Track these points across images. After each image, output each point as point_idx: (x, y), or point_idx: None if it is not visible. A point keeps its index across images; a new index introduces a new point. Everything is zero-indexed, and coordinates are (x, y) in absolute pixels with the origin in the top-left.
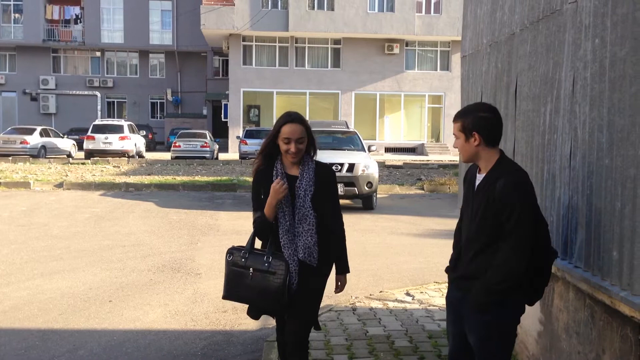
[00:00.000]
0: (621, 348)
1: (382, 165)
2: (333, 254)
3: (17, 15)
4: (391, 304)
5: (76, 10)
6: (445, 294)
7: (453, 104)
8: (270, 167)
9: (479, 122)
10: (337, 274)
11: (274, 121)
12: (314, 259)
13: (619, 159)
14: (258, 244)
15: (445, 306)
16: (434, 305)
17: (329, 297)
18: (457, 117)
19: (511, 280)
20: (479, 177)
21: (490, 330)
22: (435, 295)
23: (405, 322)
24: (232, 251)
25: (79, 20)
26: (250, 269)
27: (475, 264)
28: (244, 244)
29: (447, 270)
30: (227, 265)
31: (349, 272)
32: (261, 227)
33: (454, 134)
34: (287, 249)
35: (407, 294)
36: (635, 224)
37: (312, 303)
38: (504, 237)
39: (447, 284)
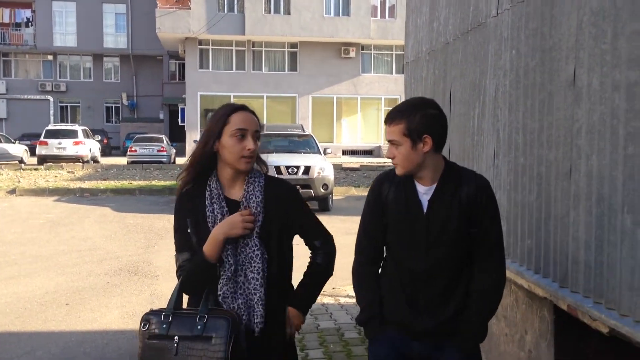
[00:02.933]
0: (540, 328)
1: (339, 168)
2: (301, 285)
3: None
4: (342, 300)
5: (27, 13)
6: None
7: None
8: (200, 187)
9: (430, 121)
10: (290, 305)
11: None
12: (253, 325)
13: (531, 158)
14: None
15: None
16: None
17: None
18: (398, 116)
19: (499, 302)
20: (425, 191)
21: None
22: None
23: (354, 316)
24: (147, 318)
25: (30, 24)
26: (175, 337)
27: (453, 300)
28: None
29: (370, 318)
30: (142, 339)
31: (305, 313)
32: (197, 274)
33: (390, 140)
34: (229, 305)
35: None
36: (545, 215)
37: None
38: (485, 251)
39: None
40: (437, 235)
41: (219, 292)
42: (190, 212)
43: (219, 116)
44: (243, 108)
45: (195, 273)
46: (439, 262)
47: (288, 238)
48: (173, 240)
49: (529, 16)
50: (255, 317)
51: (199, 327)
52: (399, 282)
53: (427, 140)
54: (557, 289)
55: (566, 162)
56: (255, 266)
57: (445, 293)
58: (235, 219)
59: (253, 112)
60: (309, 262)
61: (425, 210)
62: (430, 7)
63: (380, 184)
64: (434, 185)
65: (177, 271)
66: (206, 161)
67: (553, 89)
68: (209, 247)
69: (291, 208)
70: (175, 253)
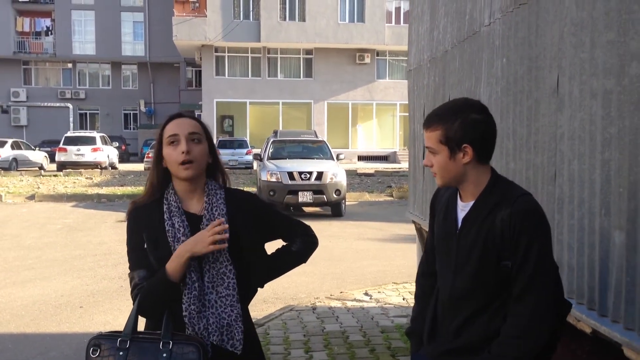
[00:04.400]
0: None
1: (353, 174)
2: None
3: None
4: (350, 303)
5: (47, 22)
6: (401, 293)
7: None
8: (156, 202)
9: (471, 128)
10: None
11: (248, 131)
12: (236, 343)
13: (520, 163)
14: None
15: (400, 304)
16: (389, 304)
17: (293, 298)
18: (435, 121)
19: (533, 354)
20: (462, 207)
21: None
22: (391, 294)
23: (360, 319)
24: (97, 343)
25: (50, 32)
26: None
27: (469, 334)
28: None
29: (410, 333)
30: None
31: (261, 287)
32: (157, 294)
33: (428, 146)
34: (195, 326)
35: (366, 293)
36: None
37: None
38: (517, 292)
39: (404, 286)
40: (463, 260)
41: (184, 313)
42: (146, 227)
43: (159, 130)
44: (179, 115)
45: (156, 293)
46: (463, 292)
47: (260, 248)
48: None
49: (518, 25)
50: (236, 334)
51: (164, 354)
52: (434, 303)
53: (467, 150)
54: None
55: (551, 167)
56: (228, 282)
57: (466, 325)
58: (201, 236)
59: (191, 117)
60: (283, 245)
61: (458, 229)
62: (431, 16)
63: (438, 191)
64: (472, 202)
65: (132, 291)
66: (162, 179)
67: (539, 96)
68: (172, 265)
69: (258, 214)
70: (129, 272)
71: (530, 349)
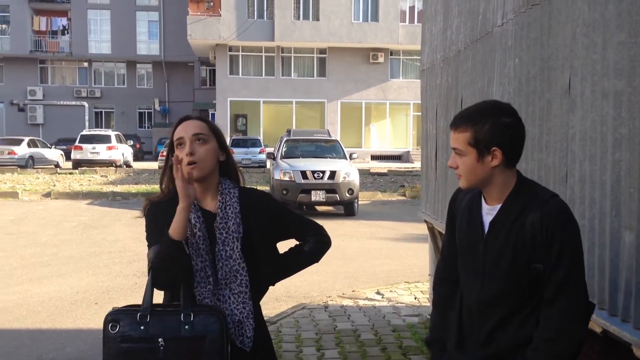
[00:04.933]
0: None
1: (366, 173)
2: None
3: (4, 26)
4: (361, 302)
5: (63, 21)
6: (413, 293)
7: None
8: (172, 200)
9: (501, 131)
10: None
11: (262, 130)
12: (246, 340)
13: (532, 163)
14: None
15: (411, 303)
16: (401, 303)
17: (305, 297)
18: (464, 122)
19: (567, 355)
20: (488, 210)
21: None
22: (403, 293)
23: (372, 318)
24: (116, 317)
25: (66, 31)
26: (160, 339)
27: (500, 341)
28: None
29: (431, 342)
30: (110, 343)
31: (272, 285)
32: (166, 257)
33: (455, 147)
34: None
35: (378, 292)
36: None
37: None
38: (550, 294)
39: (416, 285)
40: (492, 265)
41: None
42: (164, 221)
43: (170, 134)
44: (185, 118)
45: (163, 256)
46: (493, 298)
47: (273, 246)
48: None
49: (530, 26)
50: (247, 331)
51: (186, 326)
52: (458, 310)
53: (496, 154)
54: None
55: (562, 167)
56: (240, 279)
57: (498, 330)
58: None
59: (197, 118)
60: (296, 245)
61: (485, 233)
62: (444, 16)
63: (457, 193)
64: (499, 206)
65: (150, 263)
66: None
67: (551, 96)
68: (175, 226)
69: (271, 213)
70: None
71: (563, 351)
